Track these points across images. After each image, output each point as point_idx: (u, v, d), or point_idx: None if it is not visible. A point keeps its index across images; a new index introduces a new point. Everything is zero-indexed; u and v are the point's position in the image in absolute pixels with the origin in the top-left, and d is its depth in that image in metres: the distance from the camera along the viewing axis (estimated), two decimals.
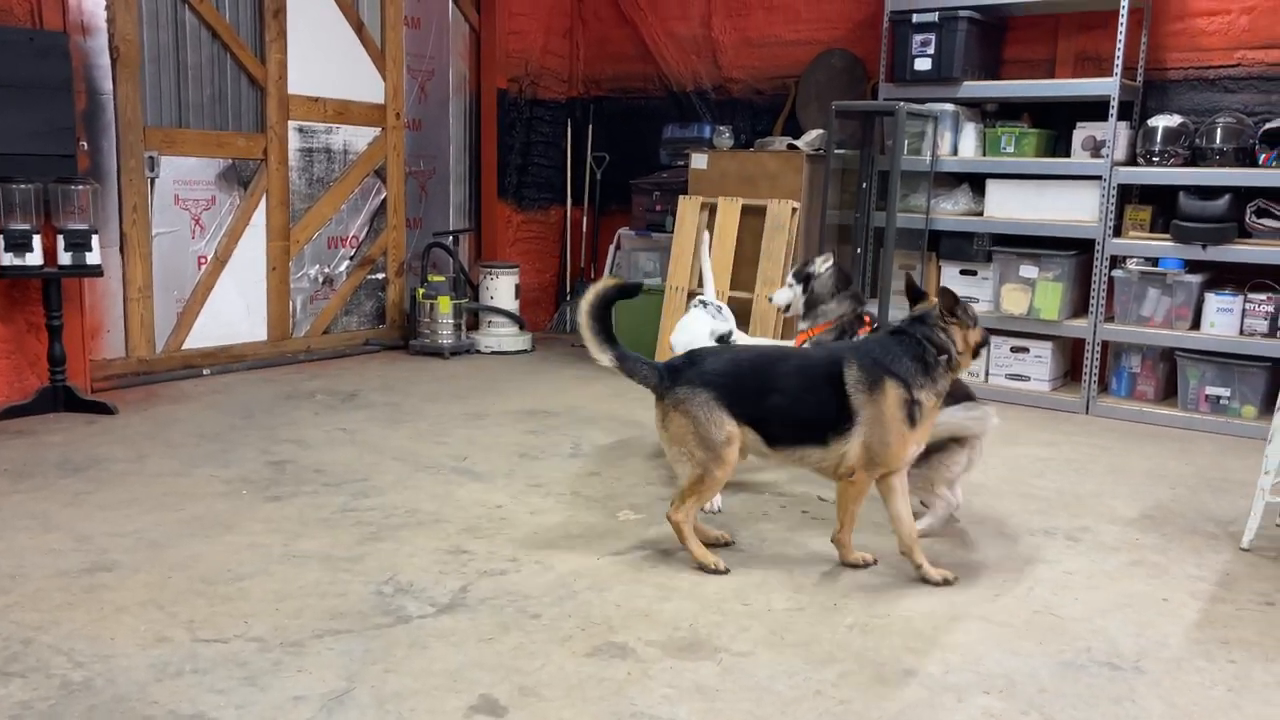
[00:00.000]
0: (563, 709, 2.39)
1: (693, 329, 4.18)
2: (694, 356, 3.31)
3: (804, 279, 4.13)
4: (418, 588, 3.04)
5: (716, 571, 3.20)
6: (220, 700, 2.39)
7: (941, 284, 5.95)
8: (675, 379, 3.23)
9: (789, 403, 3.15)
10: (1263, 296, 5.14)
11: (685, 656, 2.66)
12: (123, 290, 5.48)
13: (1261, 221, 5.13)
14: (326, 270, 6.53)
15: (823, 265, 4.09)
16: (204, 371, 5.80)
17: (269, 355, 6.18)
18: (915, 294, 3.39)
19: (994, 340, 5.82)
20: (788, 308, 4.28)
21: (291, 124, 6.17)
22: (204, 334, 5.87)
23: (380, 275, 6.86)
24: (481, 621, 2.82)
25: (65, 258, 4.76)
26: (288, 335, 6.31)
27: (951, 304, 3.19)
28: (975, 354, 3.28)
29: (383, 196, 6.77)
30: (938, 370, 3.15)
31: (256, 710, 2.35)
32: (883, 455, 3.10)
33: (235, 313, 6.03)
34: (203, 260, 5.86)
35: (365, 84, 6.56)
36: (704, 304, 4.41)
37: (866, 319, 4.03)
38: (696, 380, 3.19)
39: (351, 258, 6.67)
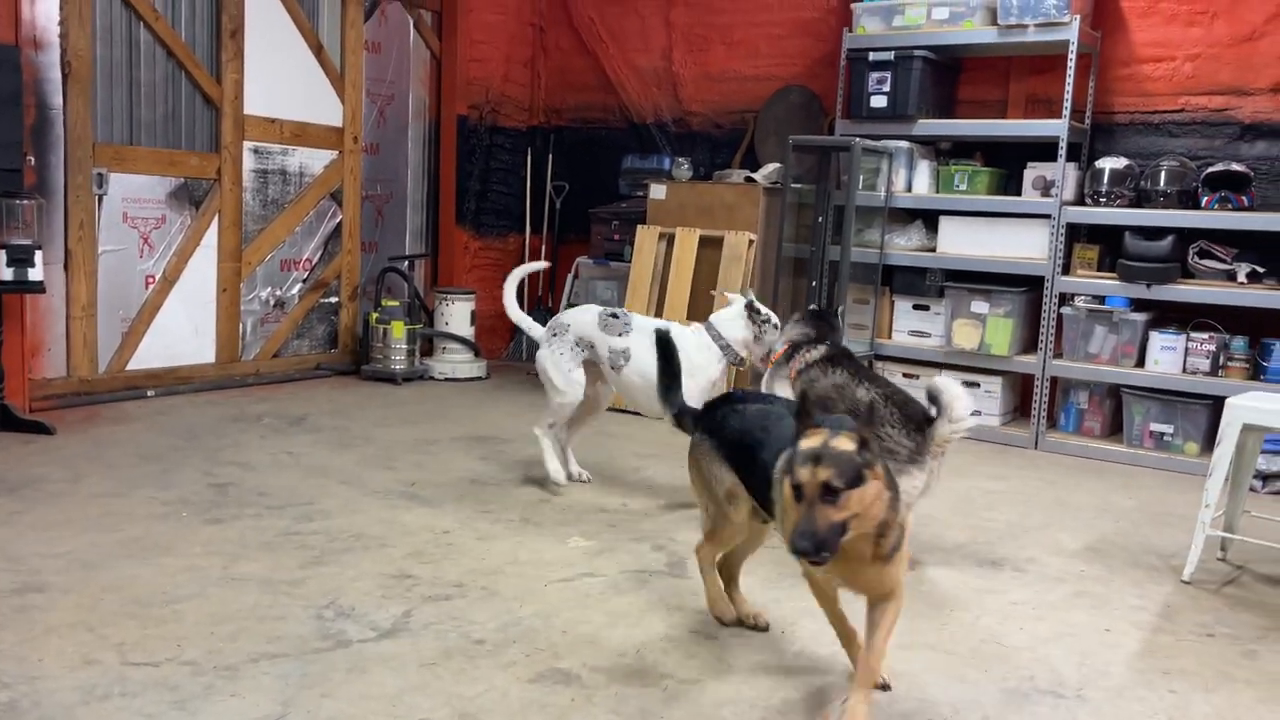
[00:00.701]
0: None
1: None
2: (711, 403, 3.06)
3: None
4: (359, 612, 2.97)
5: (720, 621, 3.00)
6: None
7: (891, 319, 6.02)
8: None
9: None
10: (1205, 335, 5.25)
11: (630, 683, 2.63)
12: (66, 308, 5.37)
13: (1204, 263, 5.25)
14: (278, 293, 6.45)
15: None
16: (148, 393, 5.69)
17: (216, 378, 6.07)
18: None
19: (945, 375, 5.87)
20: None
21: (247, 144, 6.11)
22: (149, 355, 5.76)
23: (334, 299, 6.80)
24: (423, 646, 2.77)
25: (7, 273, 4.65)
26: (236, 358, 6.21)
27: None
28: None
29: (338, 220, 6.72)
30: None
31: None
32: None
33: (183, 334, 5.93)
34: (151, 280, 5.76)
35: (323, 107, 6.54)
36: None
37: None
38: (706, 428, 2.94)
39: (304, 281, 6.60)
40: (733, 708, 2.53)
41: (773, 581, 3.39)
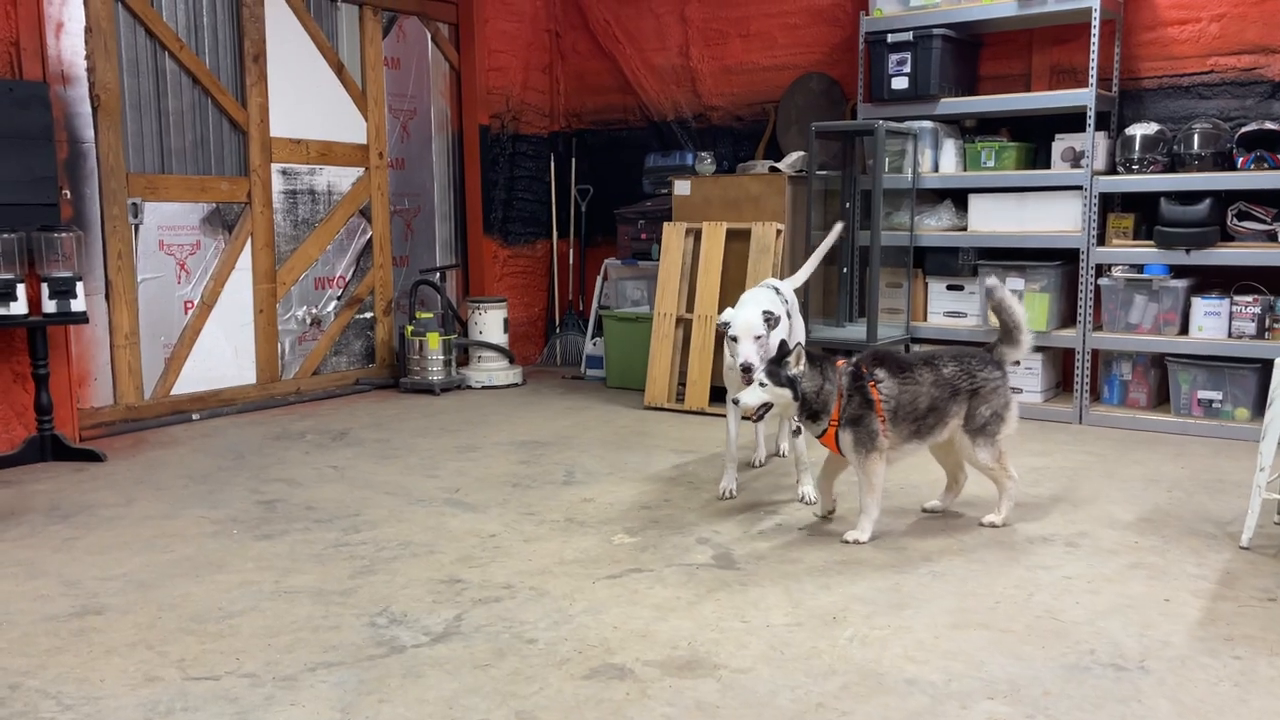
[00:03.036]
0: None
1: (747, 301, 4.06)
2: None
3: (787, 383, 3.53)
4: (411, 618, 3.00)
5: None
6: None
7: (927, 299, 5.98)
8: None
9: None
10: (1249, 298, 5.15)
11: (684, 675, 2.62)
12: (109, 337, 5.46)
13: (1243, 224, 5.16)
14: (314, 311, 6.52)
15: (798, 363, 3.56)
16: (193, 416, 5.77)
17: (258, 398, 6.15)
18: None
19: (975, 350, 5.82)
20: (763, 409, 3.61)
21: (275, 166, 6.19)
22: (192, 379, 5.84)
23: (368, 314, 6.86)
24: (476, 649, 2.78)
25: (50, 305, 4.74)
26: (277, 377, 6.28)
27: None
28: None
29: (368, 236, 6.79)
30: None
31: None
32: None
33: (223, 356, 6.01)
34: (189, 305, 5.84)
35: (347, 125, 6.60)
36: (775, 288, 4.33)
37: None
38: None
39: (339, 298, 6.66)
40: (789, 694, 2.52)
41: (821, 571, 3.37)
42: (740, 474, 4.42)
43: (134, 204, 5.51)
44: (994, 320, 3.91)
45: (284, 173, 6.26)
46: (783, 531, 3.77)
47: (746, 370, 3.71)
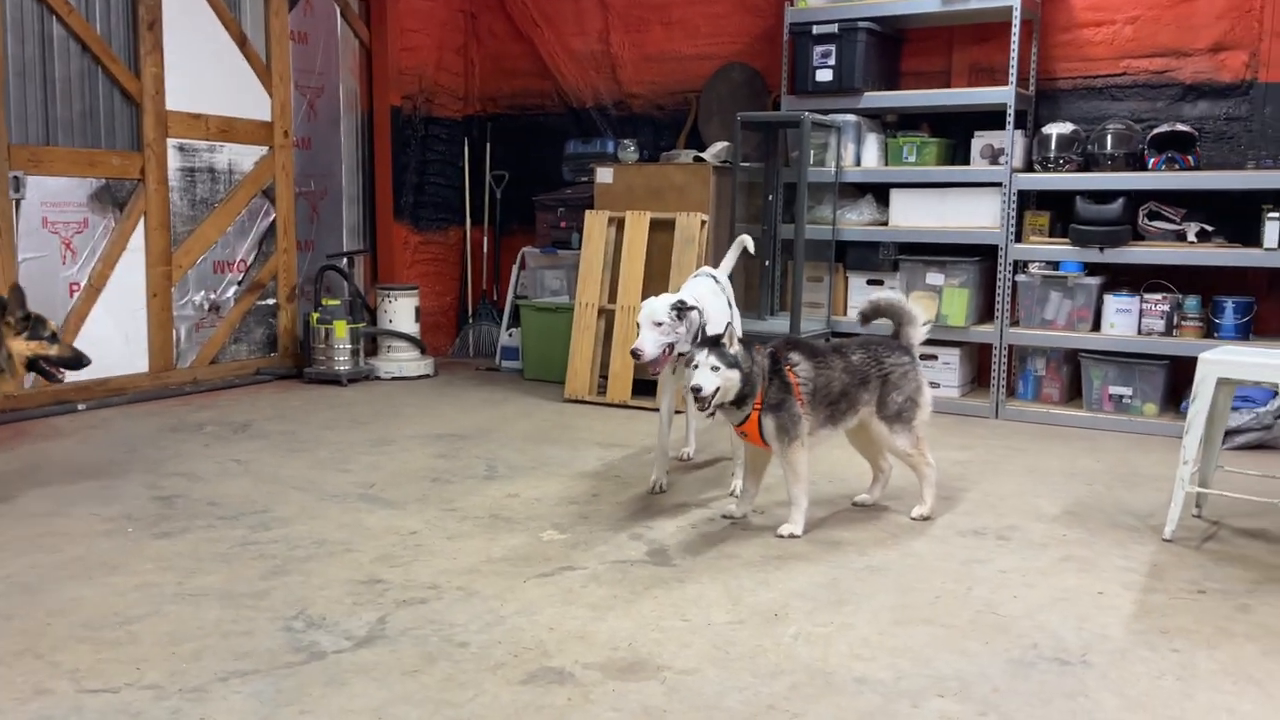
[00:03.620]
0: None
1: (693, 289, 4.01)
2: None
3: (735, 363, 3.43)
4: (331, 621, 2.80)
5: None
6: None
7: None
8: None
9: None
10: (1158, 296, 5.28)
11: (627, 678, 2.50)
12: None
13: (1154, 224, 5.28)
14: (213, 296, 6.17)
15: (732, 345, 3.47)
16: (79, 406, 5.39)
17: (151, 388, 5.78)
18: None
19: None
20: (717, 393, 3.44)
21: (171, 142, 5.83)
22: None
23: (271, 301, 6.53)
24: (404, 653, 2.61)
25: None
26: (171, 366, 5.93)
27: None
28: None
29: (272, 218, 6.46)
30: None
31: None
32: None
33: (112, 343, 5.63)
34: (75, 287, 5.46)
35: (250, 100, 6.26)
36: (714, 277, 4.26)
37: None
38: None
39: (239, 283, 6.33)
40: (738, 695, 2.42)
41: (757, 566, 3.29)
42: (669, 469, 4.31)
43: (15, 178, 5.10)
44: (887, 323, 3.94)
45: (181, 149, 5.90)
46: (716, 526, 3.68)
47: (635, 357, 3.71)
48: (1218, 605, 3.00)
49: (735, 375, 3.43)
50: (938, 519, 3.79)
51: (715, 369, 3.41)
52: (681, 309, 3.71)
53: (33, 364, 3.84)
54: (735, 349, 3.46)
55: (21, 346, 3.77)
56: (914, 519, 3.76)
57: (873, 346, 3.77)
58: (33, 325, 3.81)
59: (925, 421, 3.77)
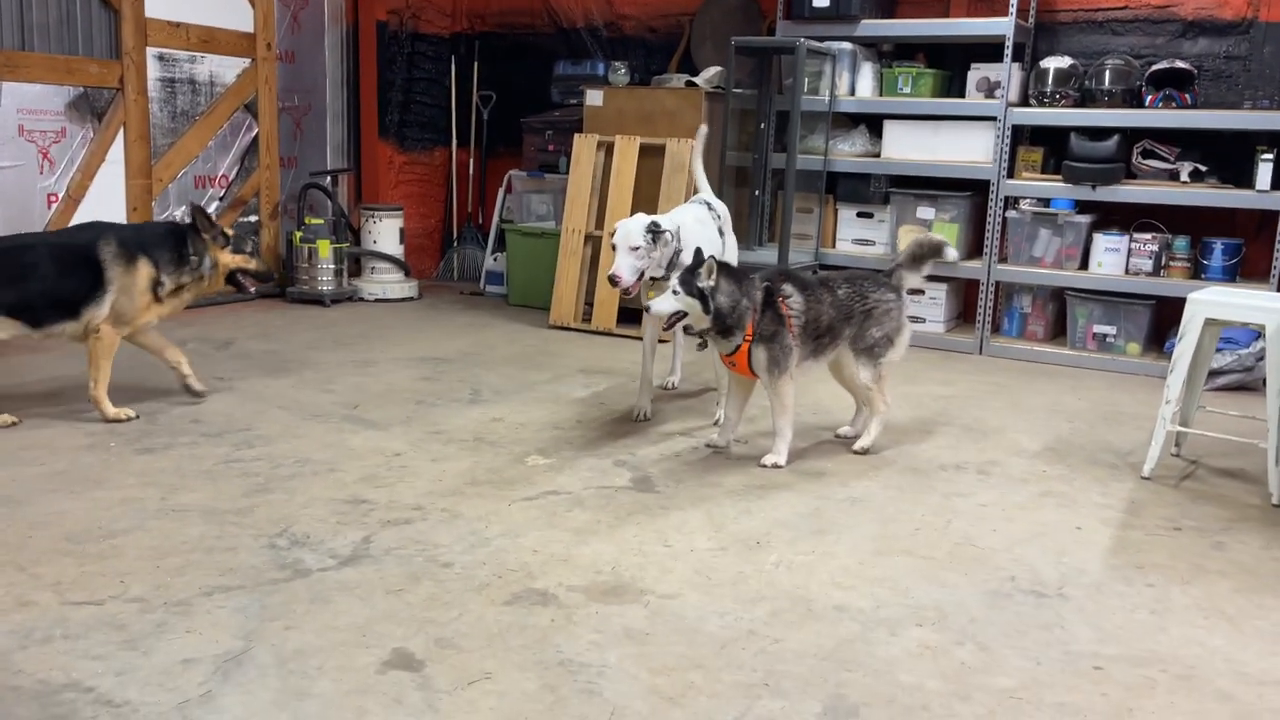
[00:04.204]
0: (484, 659, 2.22)
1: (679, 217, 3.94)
2: None
3: (699, 294, 3.40)
4: (315, 540, 2.80)
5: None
6: (97, 667, 2.13)
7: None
8: None
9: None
10: (1147, 236, 5.27)
11: (610, 600, 2.52)
12: None
13: (1147, 162, 5.24)
14: None
15: (710, 276, 3.42)
16: None
17: None
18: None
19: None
20: (674, 317, 3.48)
21: (151, 51, 5.67)
22: None
23: (253, 218, 6.43)
24: (388, 572, 2.62)
25: None
26: None
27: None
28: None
29: (254, 133, 6.33)
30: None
31: (140, 676, 2.10)
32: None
33: None
34: (53, 198, 5.35)
35: (232, 10, 6.09)
36: (708, 204, 4.22)
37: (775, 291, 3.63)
38: None
39: (221, 199, 6.22)
40: (719, 620, 2.44)
41: (741, 494, 3.31)
42: (654, 397, 4.31)
43: None
44: (913, 252, 3.90)
45: (161, 58, 5.75)
46: (699, 454, 3.70)
47: (613, 283, 3.66)
48: (1193, 542, 3.05)
49: (696, 305, 3.41)
50: (919, 454, 3.81)
51: (675, 293, 3.43)
52: (656, 231, 3.67)
53: (231, 276, 4.02)
54: (710, 280, 3.42)
55: (226, 259, 3.97)
56: (855, 451, 3.75)
57: (859, 281, 3.76)
58: (234, 240, 4.02)
59: (894, 361, 3.76)
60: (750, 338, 3.49)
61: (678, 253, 3.73)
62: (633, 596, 2.55)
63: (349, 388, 4.39)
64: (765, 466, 3.55)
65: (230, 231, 4.06)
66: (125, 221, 5.64)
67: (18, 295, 3.61)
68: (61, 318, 3.70)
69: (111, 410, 3.79)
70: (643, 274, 3.71)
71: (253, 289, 4.16)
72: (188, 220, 3.94)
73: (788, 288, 3.59)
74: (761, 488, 3.38)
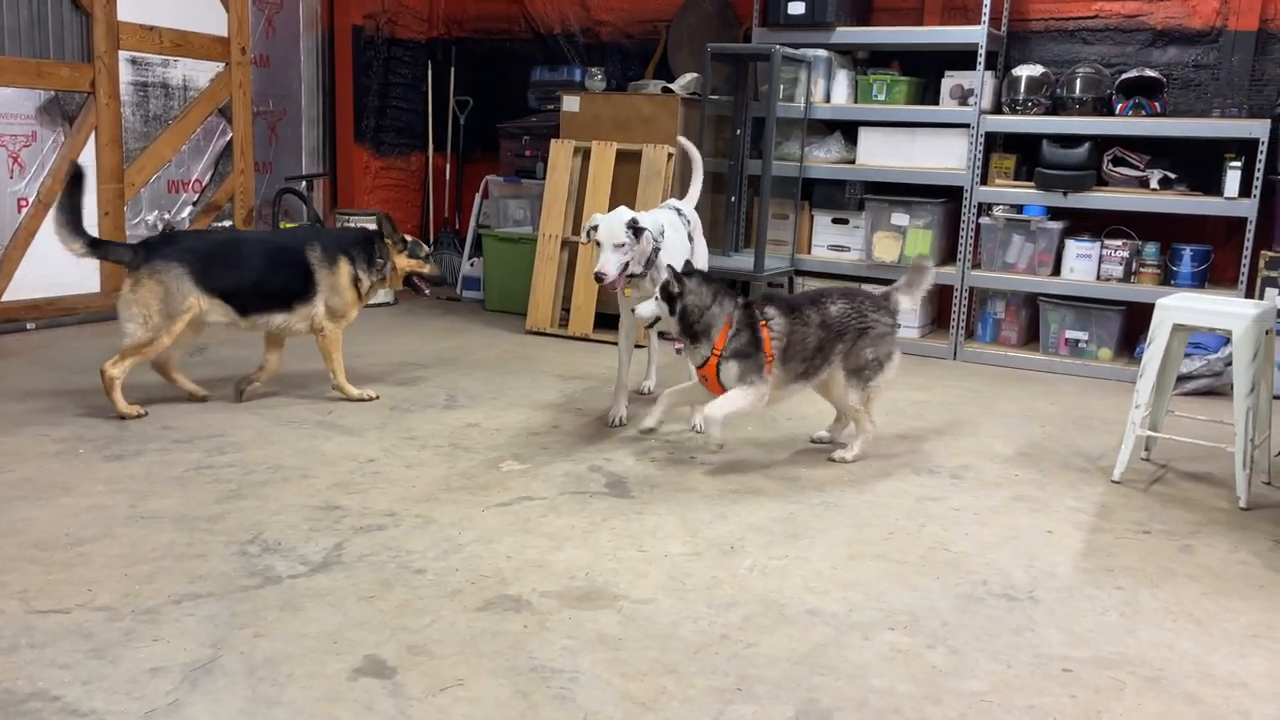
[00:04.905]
0: (457, 666, 2.21)
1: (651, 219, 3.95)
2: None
3: (666, 295, 3.50)
4: (286, 546, 2.79)
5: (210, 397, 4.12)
6: (63, 675, 2.10)
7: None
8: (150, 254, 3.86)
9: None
10: (1118, 242, 5.32)
11: (584, 606, 2.52)
12: None
13: (1118, 169, 5.30)
14: (167, 216, 6.02)
15: (687, 281, 3.51)
16: (28, 325, 5.27)
17: (104, 308, 5.65)
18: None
19: (866, 289, 5.85)
20: (654, 322, 3.61)
21: (123, 54, 5.62)
22: (27, 284, 5.32)
23: (228, 223, 6.38)
24: (360, 579, 2.61)
25: None
26: None
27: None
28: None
29: (228, 137, 6.29)
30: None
31: (107, 684, 2.08)
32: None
33: (63, 261, 5.35)
34: (23, 203, 5.29)
35: (206, 14, 6.05)
36: (678, 210, 4.24)
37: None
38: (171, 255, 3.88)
39: (195, 203, 6.17)
40: (692, 625, 2.45)
41: (715, 500, 3.31)
42: (629, 402, 4.31)
43: None
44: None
45: (134, 62, 5.70)
46: (675, 460, 3.70)
47: (599, 280, 3.69)
48: (1161, 545, 3.08)
49: (665, 307, 3.50)
50: (893, 458, 3.83)
51: (656, 299, 3.54)
52: (636, 228, 3.69)
53: (407, 278, 4.34)
54: (680, 284, 3.49)
55: (404, 263, 4.29)
56: (832, 460, 3.74)
57: (858, 299, 3.72)
58: (411, 246, 4.32)
59: (881, 386, 3.72)
60: (719, 352, 3.49)
61: (656, 251, 3.77)
62: (606, 602, 2.55)
63: (323, 394, 4.36)
64: (699, 431, 3.79)
65: (409, 238, 4.34)
66: (96, 226, 5.59)
67: (231, 281, 3.98)
68: (269, 309, 4.07)
69: (355, 391, 4.27)
70: (626, 266, 3.73)
71: (427, 290, 4.46)
72: (375, 228, 4.31)
73: (770, 310, 3.55)
74: (736, 493, 3.38)
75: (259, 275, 4.02)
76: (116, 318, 3.91)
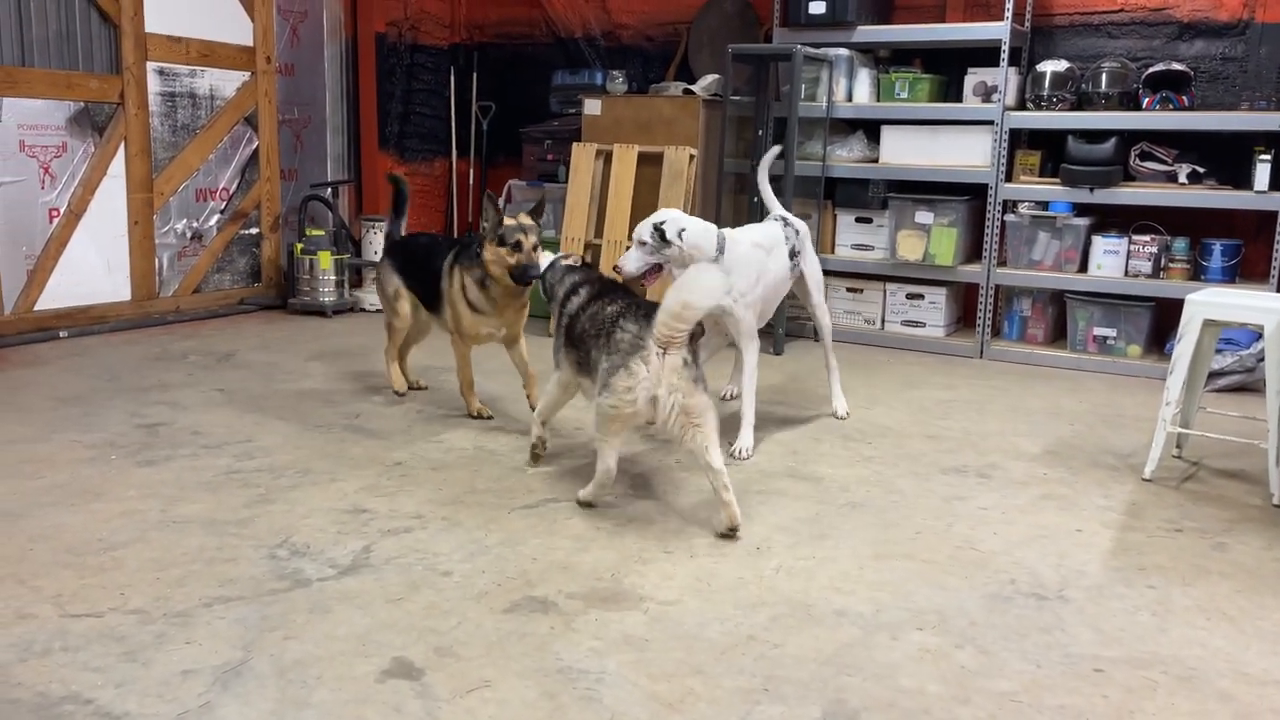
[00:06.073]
0: (484, 667, 2.22)
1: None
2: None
3: (661, 235, 3.62)
4: (315, 549, 2.81)
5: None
6: (96, 679, 2.13)
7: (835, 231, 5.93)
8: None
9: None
10: (1146, 238, 5.27)
11: (610, 607, 2.52)
12: None
13: (1145, 164, 5.24)
14: (195, 224, 6.09)
15: (567, 275, 3.47)
16: (60, 334, 5.34)
17: (134, 316, 5.73)
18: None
19: (890, 287, 5.84)
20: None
21: (150, 65, 5.69)
22: (59, 293, 5.40)
23: (254, 230, 6.45)
24: (388, 581, 2.62)
25: None
26: (154, 295, 5.87)
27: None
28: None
29: (254, 146, 6.35)
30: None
31: (140, 687, 2.10)
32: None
33: (94, 270, 5.57)
34: (55, 213, 5.37)
35: (231, 24, 6.11)
36: (784, 220, 4.17)
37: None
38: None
39: (222, 211, 6.24)
40: (719, 626, 2.44)
41: (740, 501, 3.30)
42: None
43: None
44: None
45: (161, 73, 5.77)
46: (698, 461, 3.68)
47: (615, 271, 3.71)
48: (1194, 543, 3.04)
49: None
50: (920, 457, 3.81)
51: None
52: (661, 231, 3.67)
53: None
54: (564, 262, 3.52)
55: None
56: (579, 501, 3.19)
57: (632, 311, 3.05)
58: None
59: (615, 409, 2.93)
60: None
61: (717, 263, 3.68)
62: (632, 603, 2.55)
63: (349, 398, 4.39)
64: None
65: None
66: (126, 235, 5.67)
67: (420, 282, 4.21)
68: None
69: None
70: (660, 268, 3.72)
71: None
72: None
73: (585, 290, 3.30)
74: (761, 493, 3.38)
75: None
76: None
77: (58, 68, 5.29)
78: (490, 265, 3.79)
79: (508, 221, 3.77)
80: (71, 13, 5.33)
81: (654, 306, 2.96)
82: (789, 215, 4.25)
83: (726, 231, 3.83)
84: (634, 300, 3.16)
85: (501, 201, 6.95)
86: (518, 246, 3.73)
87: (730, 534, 2.97)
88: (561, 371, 3.37)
